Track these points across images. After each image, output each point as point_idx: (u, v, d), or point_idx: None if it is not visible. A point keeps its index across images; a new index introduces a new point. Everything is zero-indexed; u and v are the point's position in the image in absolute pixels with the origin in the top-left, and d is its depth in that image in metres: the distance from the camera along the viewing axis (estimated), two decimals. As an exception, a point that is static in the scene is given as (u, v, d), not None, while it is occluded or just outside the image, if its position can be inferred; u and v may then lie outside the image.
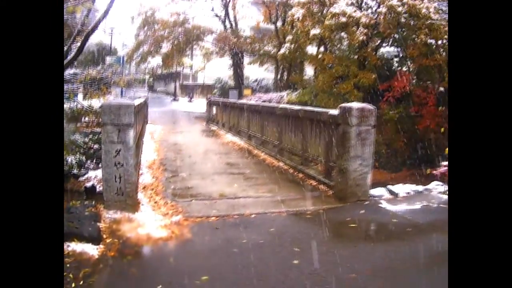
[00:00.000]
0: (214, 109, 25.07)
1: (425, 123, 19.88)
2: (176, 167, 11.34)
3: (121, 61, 39.04)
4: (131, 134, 7.10)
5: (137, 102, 12.61)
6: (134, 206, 7.27)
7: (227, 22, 37.54)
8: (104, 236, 6.17)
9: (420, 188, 9.25)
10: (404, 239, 6.40)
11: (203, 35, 37.11)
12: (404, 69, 24.37)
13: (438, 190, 9.11)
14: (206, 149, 15.22)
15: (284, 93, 27.97)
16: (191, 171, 10.85)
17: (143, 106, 18.32)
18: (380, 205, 8.08)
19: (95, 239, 5.95)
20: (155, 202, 7.88)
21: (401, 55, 24.73)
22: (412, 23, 20.29)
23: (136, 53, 39.45)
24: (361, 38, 20.63)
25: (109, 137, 6.99)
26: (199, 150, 14.84)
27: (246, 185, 9.46)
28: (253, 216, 7.28)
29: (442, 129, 17.57)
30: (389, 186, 9.18)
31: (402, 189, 9.07)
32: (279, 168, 11.57)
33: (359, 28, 20.67)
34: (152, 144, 15.69)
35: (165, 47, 38.36)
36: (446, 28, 18.56)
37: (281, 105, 13.59)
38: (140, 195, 8.13)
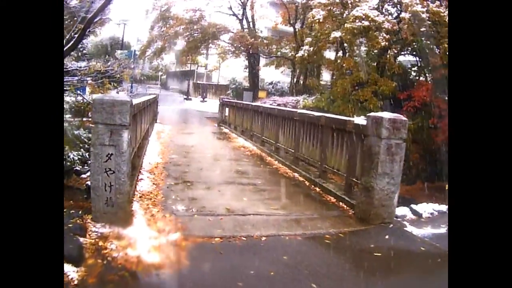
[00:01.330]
0: (226, 111, 24.33)
1: (444, 135, 19.18)
2: (180, 173, 10.29)
3: (133, 56, 38.52)
4: (126, 136, 6.06)
5: (144, 99, 11.94)
6: (126, 219, 6.24)
7: (244, 22, 36.92)
8: (87, 255, 5.20)
9: (443, 207, 8.54)
10: (436, 272, 5.51)
11: (219, 34, 36.46)
12: (423, 78, 23.86)
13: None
14: (215, 153, 14.27)
15: (300, 98, 27.38)
16: (196, 179, 9.82)
17: (152, 104, 17.65)
18: (405, 228, 7.24)
19: (76, 259, 4.99)
20: (152, 215, 6.82)
21: (421, 64, 24.13)
22: (434, 30, 19.45)
23: (149, 48, 38.86)
24: (383, 43, 19.89)
25: (99, 138, 5.97)
26: (208, 154, 13.89)
27: (256, 199, 8.42)
28: (263, 239, 6.22)
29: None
30: (413, 206, 8.46)
31: (425, 208, 8.38)
32: (293, 179, 10.63)
33: (381, 33, 19.91)
34: (158, 145, 14.74)
35: (180, 44, 37.89)
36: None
37: (300, 111, 12.68)
38: (136, 206, 7.10)
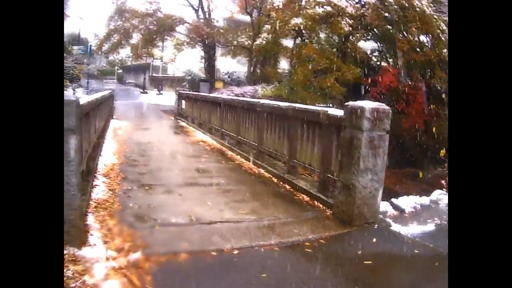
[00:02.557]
0: (183, 103, 23.88)
1: (411, 122, 18.87)
2: (137, 175, 9.46)
3: (89, 51, 37.85)
4: (73, 142, 5.20)
5: (98, 95, 11.39)
6: (80, 237, 5.37)
7: (200, 12, 36.76)
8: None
9: (425, 200, 8.32)
10: (438, 279, 4.89)
11: (175, 25, 36.26)
12: (385, 64, 23.78)
13: (444, 201, 8.32)
14: (174, 150, 13.60)
15: (258, 87, 26.98)
16: (155, 181, 9.00)
17: (107, 100, 17.01)
18: (391, 228, 6.72)
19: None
20: (108, 229, 5.94)
21: (382, 49, 23.95)
22: (401, 15, 19.17)
23: (106, 43, 38.32)
24: (346, 29, 19.60)
25: (44, 146, 5.13)
26: (166, 151, 13.20)
27: (222, 202, 7.60)
28: (236, 252, 5.42)
29: (434, 129, 16.73)
30: (393, 200, 8.04)
31: (406, 202, 7.96)
32: (260, 176, 9.94)
33: (345, 19, 19.61)
34: (114, 144, 13.94)
35: (136, 37, 37.61)
36: (439, 22, 17.78)
37: (262, 101, 11.96)
38: (91, 219, 6.24)
